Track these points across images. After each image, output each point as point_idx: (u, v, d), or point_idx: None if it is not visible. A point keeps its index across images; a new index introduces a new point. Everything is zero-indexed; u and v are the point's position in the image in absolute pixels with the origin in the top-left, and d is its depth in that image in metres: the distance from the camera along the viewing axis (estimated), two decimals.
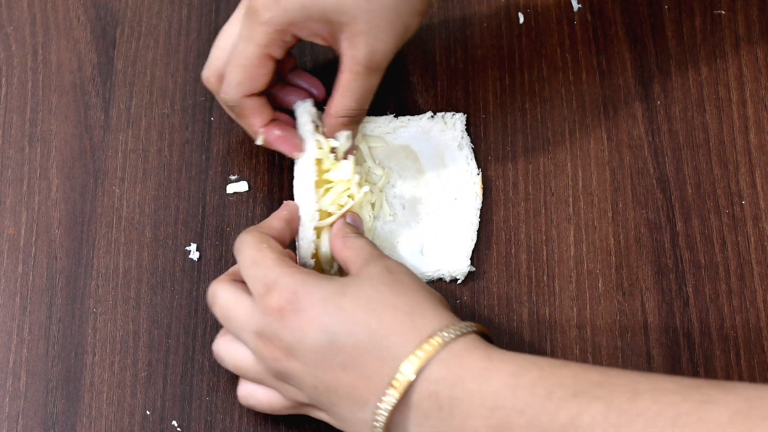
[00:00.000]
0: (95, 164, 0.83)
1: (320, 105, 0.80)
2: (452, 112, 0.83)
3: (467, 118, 0.83)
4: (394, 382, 0.65)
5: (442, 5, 0.88)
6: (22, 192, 0.83)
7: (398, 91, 0.85)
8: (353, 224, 0.76)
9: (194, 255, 0.80)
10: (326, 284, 0.68)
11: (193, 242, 0.81)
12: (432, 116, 0.83)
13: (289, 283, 0.68)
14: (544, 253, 0.79)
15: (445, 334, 0.65)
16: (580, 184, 0.81)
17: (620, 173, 0.81)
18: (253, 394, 0.73)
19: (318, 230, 0.76)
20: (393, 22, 0.74)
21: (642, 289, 0.78)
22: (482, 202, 0.81)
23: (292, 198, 0.81)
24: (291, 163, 0.82)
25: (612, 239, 0.79)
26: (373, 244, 0.74)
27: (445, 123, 0.83)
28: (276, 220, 0.75)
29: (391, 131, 0.82)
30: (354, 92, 0.76)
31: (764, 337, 0.76)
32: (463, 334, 0.66)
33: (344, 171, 0.77)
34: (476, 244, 0.79)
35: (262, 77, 0.76)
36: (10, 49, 0.88)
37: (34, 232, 0.81)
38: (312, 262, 0.76)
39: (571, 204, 0.81)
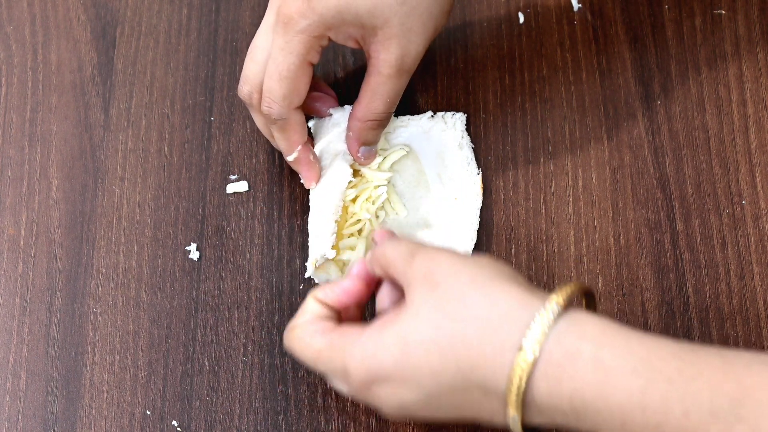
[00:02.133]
0: (95, 164, 0.83)
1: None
2: (452, 112, 0.83)
3: (467, 118, 0.83)
4: (508, 408, 0.61)
5: None
6: (22, 192, 0.83)
7: None
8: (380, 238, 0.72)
9: (194, 255, 0.80)
10: (388, 345, 0.64)
11: (193, 242, 0.81)
12: (432, 116, 0.83)
13: (355, 363, 0.65)
14: (544, 253, 0.79)
15: (532, 344, 0.60)
16: (580, 184, 0.81)
17: (620, 173, 0.81)
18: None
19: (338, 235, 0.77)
20: (425, 24, 0.74)
21: (642, 289, 0.78)
22: (482, 202, 0.81)
23: (292, 197, 0.81)
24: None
25: (612, 239, 0.79)
26: (401, 243, 0.68)
27: (445, 123, 0.83)
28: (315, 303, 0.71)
29: (391, 131, 0.82)
30: (383, 95, 0.76)
31: (764, 337, 0.76)
32: (549, 333, 0.60)
33: (380, 174, 0.80)
34: (476, 244, 0.79)
35: (304, 86, 0.76)
36: (10, 48, 0.88)
37: (34, 232, 0.81)
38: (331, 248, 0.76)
39: (571, 204, 0.81)
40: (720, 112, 0.83)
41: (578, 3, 0.87)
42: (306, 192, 0.81)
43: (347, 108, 0.80)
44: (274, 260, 0.80)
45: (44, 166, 0.83)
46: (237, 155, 0.83)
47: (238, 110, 0.85)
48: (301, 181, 0.80)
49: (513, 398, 0.61)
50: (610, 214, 0.80)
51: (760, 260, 0.78)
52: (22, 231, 0.81)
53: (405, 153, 0.81)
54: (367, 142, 0.78)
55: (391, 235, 0.72)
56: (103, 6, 0.89)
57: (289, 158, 0.78)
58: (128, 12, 0.89)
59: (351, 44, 0.76)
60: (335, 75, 0.86)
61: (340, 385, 0.67)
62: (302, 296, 0.78)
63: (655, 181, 0.81)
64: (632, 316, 0.77)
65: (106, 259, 0.80)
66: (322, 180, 0.78)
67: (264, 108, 0.76)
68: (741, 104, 0.83)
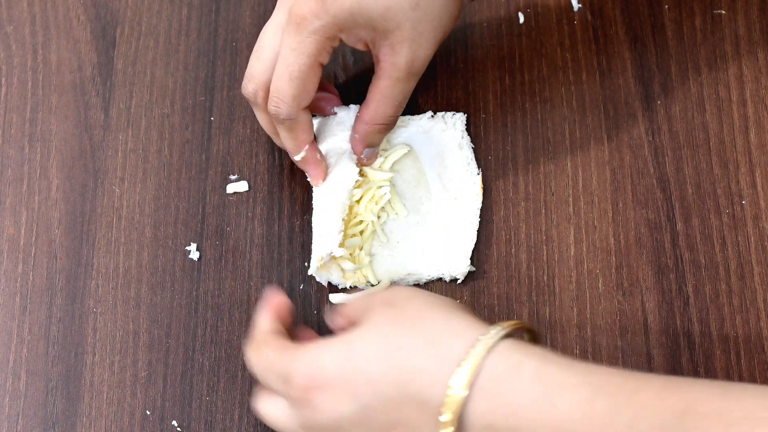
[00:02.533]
0: (95, 164, 0.83)
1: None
2: (452, 112, 0.83)
3: (467, 118, 0.83)
4: (442, 423, 0.60)
5: None
6: (22, 192, 0.83)
7: None
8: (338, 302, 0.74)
9: (194, 255, 0.80)
10: (332, 351, 0.64)
11: (193, 242, 0.81)
12: (432, 116, 0.83)
13: (296, 367, 0.65)
14: (544, 253, 0.79)
15: (474, 356, 0.60)
16: (580, 184, 0.81)
17: (620, 173, 0.81)
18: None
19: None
20: (435, 29, 0.75)
21: (642, 289, 0.78)
22: (482, 202, 0.81)
23: (292, 197, 0.81)
24: (291, 162, 0.82)
25: (612, 239, 0.79)
26: (364, 296, 0.69)
27: (445, 123, 0.83)
28: (262, 317, 0.71)
29: (391, 131, 0.82)
30: (392, 99, 0.76)
31: (764, 337, 0.76)
32: (493, 347, 0.60)
33: (382, 174, 0.80)
34: (476, 244, 0.79)
35: (313, 87, 0.75)
36: (10, 48, 0.88)
37: (34, 232, 0.81)
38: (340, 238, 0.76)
39: (571, 204, 0.81)
40: (720, 112, 0.83)
41: (578, 3, 0.87)
42: (306, 192, 0.81)
43: (352, 107, 0.80)
44: (274, 260, 0.80)
45: (44, 166, 0.83)
46: (237, 155, 0.83)
47: (238, 110, 0.85)
48: (305, 180, 0.81)
49: (449, 415, 0.60)
50: (610, 214, 0.80)
51: (760, 260, 0.78)
52: (22, 231, 0.81)
53: (406, 152, 0.81)
54: (371, 144, 0.78)
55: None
56: (103, 6, 0.89)
57: (296, 158, 0.78)
58: (128, 12, 0.89)
59: (360, 47, 0.76)
60: (335, 75, 0.86)
61: (278, 400, 0.67)
62: (302, 296, 0.78)
63: (655, 181, 0.81)
64: (632, 316, 0.77)
65: (106, 259, 0.80)
66: (328, 179, 0.78)
67: (272, 108, 0.75)
68: (741, 104, 0.83)
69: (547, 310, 0.78)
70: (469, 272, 0.78)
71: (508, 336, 0.61)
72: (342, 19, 0.73)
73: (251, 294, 0.79)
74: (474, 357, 0.60)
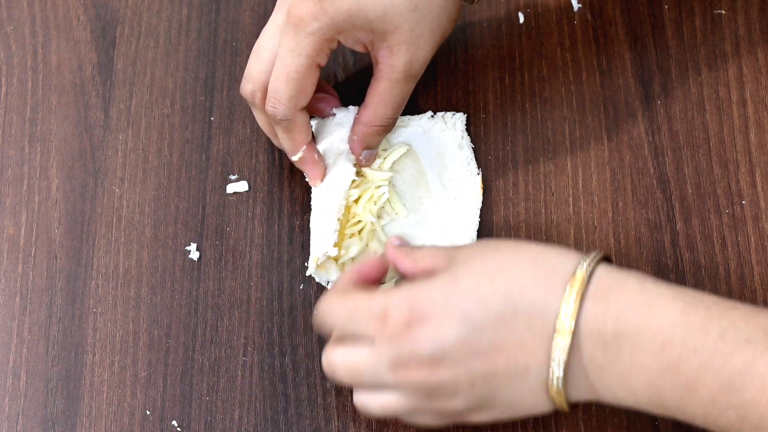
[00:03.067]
0: (95, 164, 0.83)
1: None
2: (452, 112, 0.83)
3: (467, 118, 0.83)
4: (557, 329, 0.63)
5: None
6: (22, 192, 0.83)
7: None
8: (402, 243, 0.73)
9: (194, 255, 0.80)
10: (434, 282, 0.65)
11: (193, 242, 0.81)
12: (432, 116, 0.83)
13: (399, 299, 0.65)
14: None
15: (584, 269, 0.64)
16: (580, 184, 0.81)
17: (620, 173, 0.81)
18: (413, 420, 0.70)
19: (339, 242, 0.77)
20: (433, 31, 0.75)
21: None
22: (482, 202, 0.81)
23: (292, 197, 0.81)
24: (291, 162, 0.82)
25: (612, 239, 0.79)
26: (440, 247, 0.71)
27: (445, 123, 0.83)
28: (347, 273, 0.72)
29: (391, 131, 0.82)
30: (391, 101, 0.76)
31: None
32: (598, 264, 0.64)
33: (381, 174, 0.80)
34: None
35: (311, 88, 0.75)
36: (10, 49, 0.88)
37: (34, 232, 0.81)
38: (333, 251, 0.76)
39: (571, 204, 0.81)
40: (720, 112, 0.83)
41: (578, 3, 0.87)
42: (306, 192, 0.81)
43: (351, 108, 0.80)
44: (274, 260, 0.80)
45: (44, 166, 0.83)
46: (237, 155, 0.83)
47: (238, 110, 0.85)
48: (305, 180, 0.81)
49: (563, 319, 0.63)
50: (610, 214, 0.80)
51: (760, 260, 0.78)
52: (22, 231, 0.81)
53: (405, 150, 0.81)
54: (370, 146, 0.78)
55: (404, 240, 0.73)
56: (103, 6, 0.89)
57: (294, 158, 0.78)
58: (128, 12, 0.89)
59: (359, 48, 0.76)
60: (336, 75, 0.86)
61: (358, 346, 0.67)
62: (302, 296, 0.78)
63: (655, 181, 0.81)
64: None
65: (106, 259, 0.80)
66: (326, 179, 0.78)
67: (269, 108, 0.75)
68: (741, 104, 0.83)
69: None
70: None
71: (604, 259, 0.66)
72: (340, 21, 0.73)
73: (251, 294, 0.79)
74: (583, 270, 0.64)
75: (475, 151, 0.83)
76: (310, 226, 0.78)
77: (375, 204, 0.79)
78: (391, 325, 0.65)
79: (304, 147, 0.77)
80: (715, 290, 0.77)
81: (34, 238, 0.81)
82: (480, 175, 0.81)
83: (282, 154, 0.83)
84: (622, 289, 0.64)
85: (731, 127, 0.82)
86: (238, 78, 0.85)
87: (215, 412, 0.75)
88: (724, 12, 0.86)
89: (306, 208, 0.81)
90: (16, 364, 0.77)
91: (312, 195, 0.79)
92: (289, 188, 0.82)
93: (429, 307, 0.65)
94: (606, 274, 0.64)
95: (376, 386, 0.68)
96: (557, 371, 0.64)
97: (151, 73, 0.86)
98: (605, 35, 0.86)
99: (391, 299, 0.66)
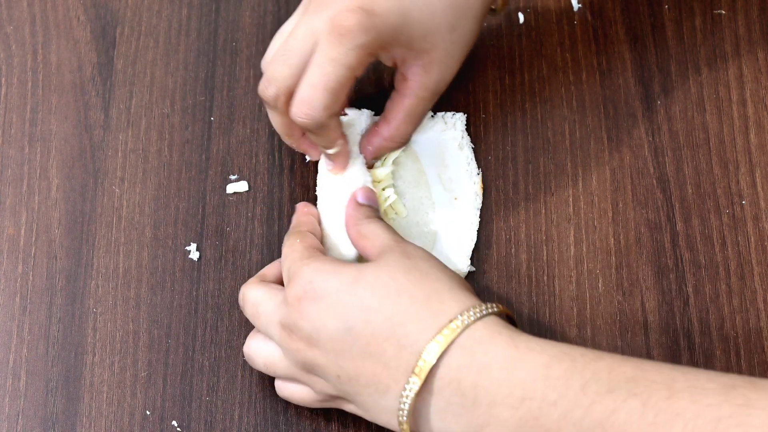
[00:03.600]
0: (95, 164, 0.83)
1: None
2: (452, 112, 0.83)
3: (467, 118, 0.83)
4: (416, 369, 0.65)
5: None
6: (22, 192, 0.83)
7: None
8: (367, 203, 0.75)
9: (194, 255, 0.80)
10: (342, 272, 0.68)
11: (193, 242, 0.81)
12: (432, 116, 0.83)
13: (305, 273, 0.69)
14: (544, 253, 0.79)
15: (464, 319, 0.65)
16: (580, 184, 0.81)
17: (620, 173, 0.81)
18: (287, 387, 0.73)
19: None
20: (463, 51, 0.76)
21: (642, 289, 0.78)
22: (482, 202, 0.81)
23: (292, 197, 0.81)
24: (291, 162, 0.82)
25: (612, 239, 0.79)
26: (389, 228, 0.73)
27: (445, 123, 0.83)
28: (304, 216, 0.76)
29: None
30: (414, 117, 0.77)
31: (764, 337, 0.76)
32: (483, 317, 0.65)
33: (385, 171, 0.80)
34: (476, 244, 0.79)
35: (345, 98, 0.74)
36: (10, 49, 0.88)
37: (34, 232, 0.81)
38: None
39: (571, 204, 0.81)
40: (720, 112, 0.83)
41: (578, 3, 0.87)
42: (306, 192, 0.81)
43: (364, 111, 0.80)
44: (274, 260, 0.79)
45: (44, 166, 0.83)
46: (237, 155, 0.83)
47: (238, 110, 0.85)
48: (306, 180, 0.80)
49: (420, 363, 0.64)
50: (610, 214, 0.80)
51: (760, 260, 0.78)
52: (22, 231, 0.81)
53: (403, 149, 0.81)
54: (380, 156, 0.79)
55: (372, 208, 0.75)
56: (103, 6, 0.89)
57: (330, 151, 0.76)
58: (128, 12, 0.89)
59: (388, 63, 0.76)
60: None
61: (275, 294, 0.71)
62: None
63: (655, 181, 0.81)
64: (632, 316, 0.77)
65: (106, 259, 0.80)
66: (336, 181, 0.78)
67: (300, 117, 0.73)
68: (741, 104, 0.83)
69: (547, 310, 0.78)
70: (469, 272, 0.78)
71: (496, 313, 0.66)
72: (387, 36, 0.73)
73: None
74: (460, 319, 0.65)
75: (475, 151, 0.83)
76: (322, 226, 0.77)
77: (381, 207, 0.79)
78: (290, 292, 0.69)
79: (341, 141, 0.76)
80: (715, 290, 0.77)
81: (34, 238, 0.81)
82: (480, 175, 0.81)
83: (282, 154, 0.83)
84: (491, 342, 0.64)
85: (731, 127, 0.82)
86: (238, 78, 0.86)
87: (215, 412, 0.75)
88: (724, 12, 0.86)
89: None
90: (16, 364, 0.77)
91: (318, 192, 0.78)
92: (289, 188, 0.82)
93: (322, 293, 0.68)
94: (484, 327, 0.65)
95: (267, 334, 0.72)
96: (404, 407, 0.66)
97: (151, 73, 0.86)
98: (605, 35, 0.86)
99: (301, 269, 0.69)
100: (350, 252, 0.75)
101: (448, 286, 0.67)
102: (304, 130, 0.76)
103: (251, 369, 0.76)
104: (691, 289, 0.78)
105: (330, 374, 0.68)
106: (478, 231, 0.80)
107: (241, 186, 0.82)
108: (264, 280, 0.74)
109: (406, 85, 0.76)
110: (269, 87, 0.74)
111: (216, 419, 0.75)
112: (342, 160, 0.77)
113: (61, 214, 0.82)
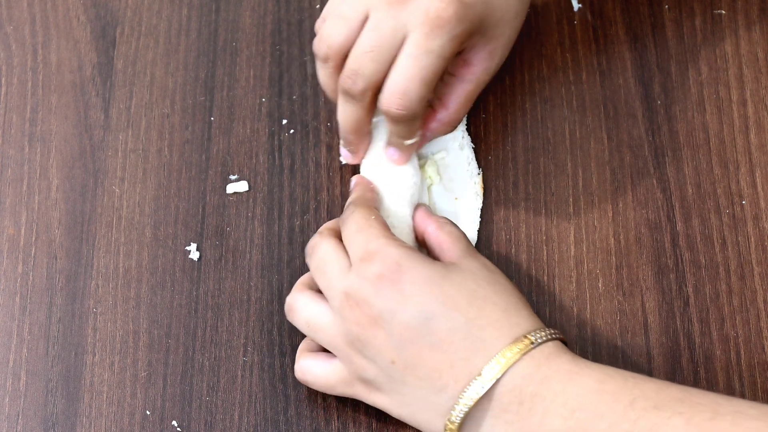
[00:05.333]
0: (95, 164, 0.83)
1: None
2: None
3: (467, 118, 0.83)
4: (485, 373, 0.66)
5: None
6: (22, 192, 0.83)
7: None
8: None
9: (194, 255, 0.80)
10: (431, 265, 0.69)
11: (193, 242, 0.81)
12: None
13: (393, 254, 0.69)
14: (544, 253, 0.79)
15: (538, 336, 0.67)
16: (580, 184, 0.81)
17: (620, 173, 0.81)
18: (310, 368, 0.73)
19: None
20: (516, 37, 0.78)
21: (642, 289, 0.78)
22: (482, 202, 0.81)
23: (292, 197, 0.81)
24: (291, 162, 0.82)
25: (612, 239, 0.79)
26: (466, 236, 0.75)
27: None
28: (369, 192, 0.76)
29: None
30: (472, 102, 0.78)
31: (764, 337, 0.76)
32: (552, 339, 0.68)
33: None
34: (476, 244, 0.79)
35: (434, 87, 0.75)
36: (10, 49, 0.88)
37: (34, 232, 0.81)
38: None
39: (571, 204, 0.81)
40: (720, 112, 0.83)
41: (578, 3, 0.87)
42: (306, 192, 0.81)
43: None
44: (274, 260, 0.80)
45: (44, 166, 0.83)
46: (237, 155, 0.83)
47: (238, 110, 0.85)
48: (305, 180, 0.81)
49: (491, 366, 0.66)
50: (610, 214, 0.80)
51: (760, 260, 0.78)
52: (22, 231, 0.81)
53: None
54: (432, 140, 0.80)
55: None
56: (103, 6, 0.89)
57: (408, 142, 0.77)
58: (128, 12, 0.89)
59: (457, 50, 0.76)
60: None
61: (344, 258, 0.71)
62: None
63: (655, 181, 0.81)
64: (632, 316, 0.77)
65: (106, 259, 0.80)
66: (384, 175, 0.78)
67: (395, 108, 0.73)
68: (741, 104, 0.83)
69: (547, 310, 0.78)
70: None
71: (560, 339, 0.69)
72: (475, 24, 0.73)
73: (251, 294, 0.79)
74: (535, 336, 0.67)
75: (475, 151, 0.83)
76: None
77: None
78: (370, 267, 0.69)
79: (420, 131, 0.77)
80: (715, 290, 0.77)
81: (34, 238, 0.81)
82: (480, 175, 0.81)
83: (282, 154, 0.83)
84: (556, 358, 0.67)
85: (731, 127, 0.82)
86: (238, 78, 0.86)
87: (215, 412, 0.75)
88: (724, 12, 0.86)
89: (306, 208, 0.81)
90: (16, 364, 0.77)
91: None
92: (289, 188, 0.82)
93: (407, 278, 0.68)
94: (552, 345, 0.68)
95: (326, 293, 0.72)
96: (462, 408, 0.66)
97: (151, 73, 0.87)
98: (605, 35, 0.86)
99: (388, 249, 0.69)
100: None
101: (523, 304, 0.70)
102: (393, 122, 0.75)
103: (251, 369, 0.76)
104: (691, 289, 0.78)
105: (383, 357, 0.68)
106: (478, 231, 0.80)
107: (241, 186, 0.82)
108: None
109: (468, 71, 0.76)
110: (358, 82, 0.73)
111: (216, 419, 0.75)
112: (412, 150, 0.78)
113: (61, 214, 0.82)
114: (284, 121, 0.84)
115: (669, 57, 0.85)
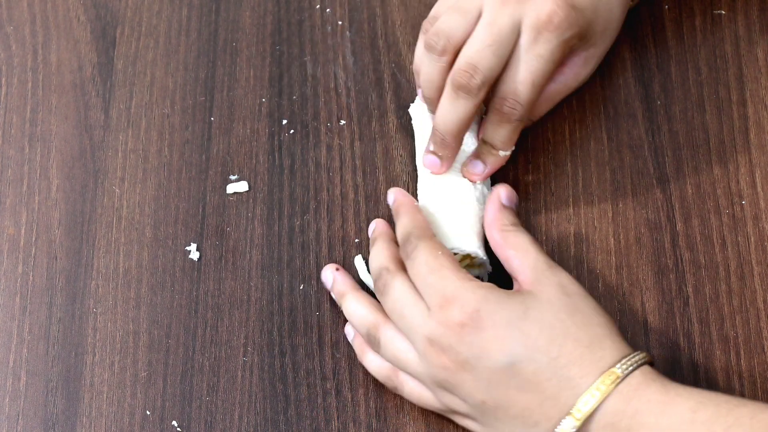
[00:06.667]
0: (95, 164, 0.83)
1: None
2: None
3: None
4: (574, 411, 0.65)
5: None
6: (22, 192, 0.83)
7: (398, 92, 0.85)
8: (510, 205, 0.75)
9: (194, 255, 0.80)
10: (508, 304, 0.68)
11: (193, 242, 0.81)
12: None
13: (470, 300, 0.68)
14: (545, 249, 0.79)
15: (624, 368, 0.66)
16: (580, 184, 0.81)
17: (620, 173, 0.81)
18: (407, 383, 0.72)
19: None
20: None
21: (642, 289, 0.78)
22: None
23: (292, 197, 0.81)
24: (291, 162, 0.82)
25: (612, 239, 0.79)
26: (534, 242, 0.73)
27: None
28: (418, 215, 0.75)
29: None
30: (553, 104, 0.79)
31: (764, 337, 0.76)
32: (638, 366, 0.66)
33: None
34: None
35: None
36: (10, 49, 0.88)
37: (34, 232, 0.81)
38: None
39: (571, 204, 0.81)
40: (720, 112, 0.83)
41: None
42: (306, 192, 0.81)
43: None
44: (274, 260, 0.80)
45: (44, 166, 0.83)
46: (237, 155, 0.83)
47: (238, 110, 0.85)
48: (305, 180, 0.81)
49: (580, 407, 0.65)
50: (610, 214, 0.80)
51: (760, 260, 0.78)
52: (22, 231, 0.81)
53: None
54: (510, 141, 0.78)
55: (514, 215, 0.75)
56: (103, 6, 0.89)
57: (505, 153, 0.77)
58: (128, 12, 0.89)
59: None
60: (335, 75, 0.86)
61: (420, 303, 0.69)
62: (302, 296, 0.78)
63: (655, 181, 0.81)
64: (632, 316, 0.77)
65: (106, 259, 0.80)
66: (448, 182, 0.78)
67: (507, 109, 0.75)
68: (741, 104, 0.83)
69: None
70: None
71: (647, 362, 0.68)
72: (582, 30, 0.74)
73: (251, 294, 0.79)
74: (621, 370, 0.66)
75: None
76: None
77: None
78: (449, 315, 0.68)
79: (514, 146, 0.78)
80: (715, 290, 0.77)
81: (34, 238, 0.81)
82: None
83: (282, 154, 0.83)
84: (646, 389, 0.66)
85: (731, 127, 0.82)
86: (238, 78, 0.86)
87: (215, 412, 0.75)
88: (724, 12, 0.86)
89: (306, 208, 0.81)
90: (16, 364, 0.77)
91: (424, 195, 0.78)
92: (289, 188, 0.82)
93: (488, 323, 0.67)
94: (640, 374, 0.66)
95: (407, 336, 0.70)
96: None
97: (151, 73, 0.87)
98: None
99: (464, 294, 0.68)
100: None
101: (608, 330, 0.68)
102: (499, 123, 0.76)
103: (251, 369, 0.76)
104: (691, 289, 0.78)
105: (474, 398, 0.68)
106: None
107: (241, 186, 0.82)
108: (398, 261, 0.73)
109: (560, 71, 0.77)
110: (476, 76, 0.74)
111: (216, 419, 0.75)
112: (501, 164, 0.78)
113: (61, 214, 0.82)
114: (284, 121, 0.84)
115: (669, 57, 0.85)
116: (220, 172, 0.83)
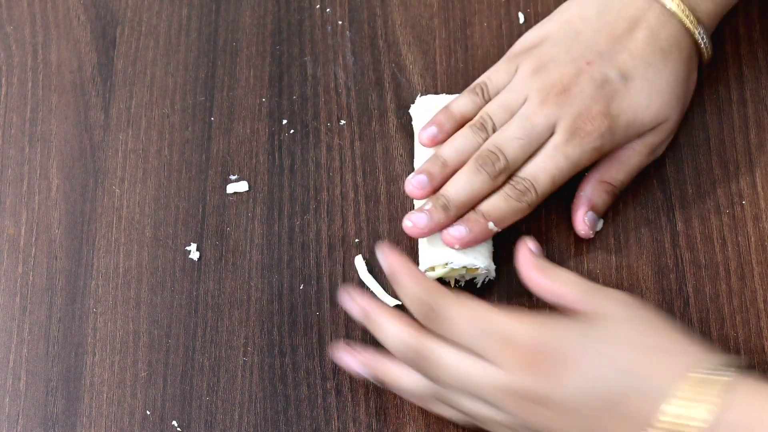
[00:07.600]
0: (95, 164, 0.83)
1: None
2: None
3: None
4: (656, 423, 0.62)
5: (442, 5, 0.88)
6: (22, 192, 0.83)
7: (399, 92, 0.85)
8: (538, 252, 0.73)
9: (194, 255, 0.80)
10: (571, 327, 0.66)
11: (193, 242, 0.81)
12: None
13: (532, 336, 0.66)
14: (544, 253, 0.79)
15: (704, 372, 0.63)
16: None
17: None
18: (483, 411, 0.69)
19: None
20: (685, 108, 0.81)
21: (642, 289, 0.78)
22: None
23: (292, 197, 0.81)
24: (291, 162, 0.82)
25: (612, 239, 0.79)
26: (577, 274, 0.71)
27: None
28: (419, 272, 0.71)
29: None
30: (629, 169, 0.79)
31: (764, 337, 0.76)
32: (722, 371, 0.63)
33: None
34: None
35: None
36: (10, 49, 0.88)
37: (34, 232, 0.81)
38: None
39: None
40: (720, 112, 0.83)
41: None
42: (306, 192, 0.81)
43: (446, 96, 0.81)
44: (274, 260, 0.80)
45: (44, 166, 0.83)
46: (237, 155, 0.83)
47: (238, 110, 0.85)
48: (305, 180, 0.81)
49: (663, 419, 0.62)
50: (610, 214, 0.80)
51: (760, 260, 0.78)
52: (22, 231, 0.81)
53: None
54: (595, 207, 0.78)
55: (538, 246, 0.73)
56: (103, 6, 0.89)
57: (496, 229, 0.76)
58: (128, 12, 0.89)
59: None
60: (335, 75, 0.86)
61: (483, 360, 0.66)
62: (302, 296, 0.78)
63: (655, 181, 0.81)
64: None
65: (106, 259, 0.80)
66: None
67: (521, 187, 0.76)
68: (741, 104, 0.83)
69: (548, 311, 0.77)
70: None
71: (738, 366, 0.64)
72: (619, 136, 0.76)
73: (251, 294, 0.79)
74: (703, 370, 0.63)
75: None
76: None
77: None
78: (516, 357, 0.65)
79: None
80: (715, 290, 0.77)
81: (34, 238, 0.81)
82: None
83: (282, 154, 0.83)
84: (764, 400, 0.62)
85: (731, 127, 0.82)
86: (238, 78, 0.86)
87: (215, 412, 0.75)
88: None
89: (306, 208, 0.81)
90: (16, 364, 0.77)
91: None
92: (289, 188, 0.82)
93: (558, 349, 0.65)
94: (753, 382, 0.63)
95: (478, 396, 0.68)
96: None
97: (151, 73, 0.87)
98: None
99: (518, 328, 0.66)
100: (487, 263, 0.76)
101: (679, 336, 0.66)
102: (506, 203, 0.76)
103: (251, 369, 0.76)
104: (691, 289, 0.78)
105: (557, 429, 0.66)
106: None
107: (241, 186, 0.82)
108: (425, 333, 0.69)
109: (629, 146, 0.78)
110: (500, 159, 0.75)
111: (216, 419, 0.75)
112: (489, 236, 0.76)
113: (61, 214, 0.82)
114: (284, 121, 0.84)
115: None
116: (220, 171, 0.83)
